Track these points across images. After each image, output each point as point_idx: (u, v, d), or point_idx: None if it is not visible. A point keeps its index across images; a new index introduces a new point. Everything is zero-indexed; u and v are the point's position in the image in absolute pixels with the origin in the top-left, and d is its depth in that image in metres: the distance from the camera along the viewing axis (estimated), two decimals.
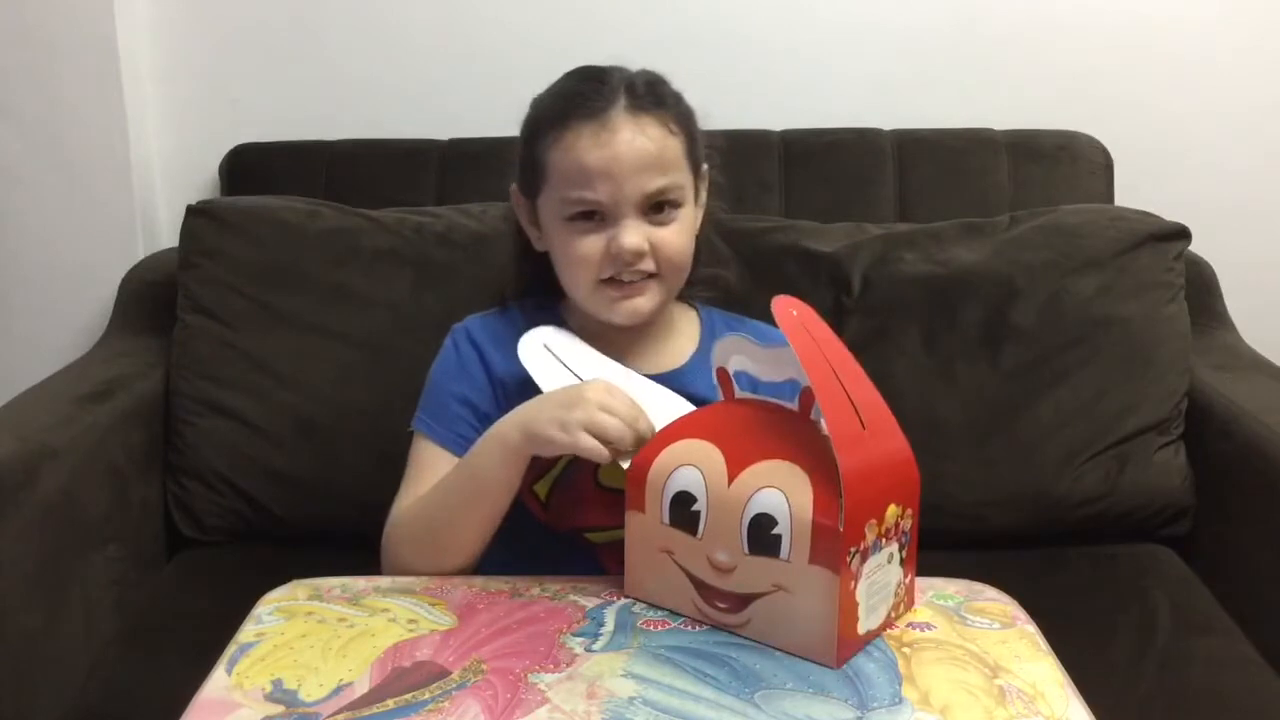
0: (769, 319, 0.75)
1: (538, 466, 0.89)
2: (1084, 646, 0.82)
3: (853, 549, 0.69)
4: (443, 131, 1.51)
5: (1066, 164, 1.47)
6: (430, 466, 0.94)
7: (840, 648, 0.70)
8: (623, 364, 0.95)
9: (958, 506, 1.24)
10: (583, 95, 0.93)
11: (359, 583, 0.84)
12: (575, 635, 0.74)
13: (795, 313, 0.75)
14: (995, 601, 0.81)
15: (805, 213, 1.42)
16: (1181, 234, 1.33)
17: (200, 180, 1.56)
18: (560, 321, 0.99)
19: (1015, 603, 0.81)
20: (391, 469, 0.97)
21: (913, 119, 1.51)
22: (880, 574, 0.73)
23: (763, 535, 0.71)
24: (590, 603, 0.79)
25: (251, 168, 1.49)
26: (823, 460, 0.70)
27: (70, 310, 1.52)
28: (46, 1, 1.44)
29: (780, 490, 0.71)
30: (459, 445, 0.94)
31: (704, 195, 1.01)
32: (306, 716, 0.66)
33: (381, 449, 1.08)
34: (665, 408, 0.87)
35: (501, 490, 0.87)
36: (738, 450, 0.74)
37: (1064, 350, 1.27)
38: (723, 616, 0.75)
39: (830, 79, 1.56)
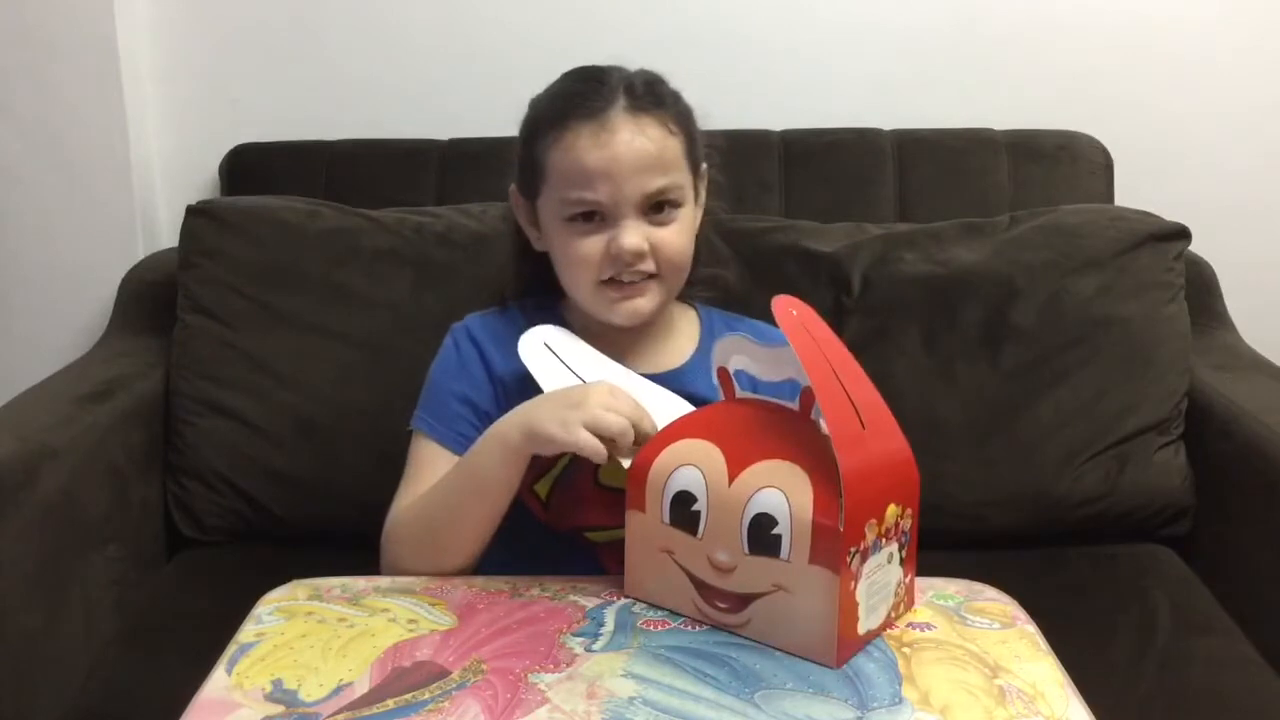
0: (769, 319, 0.75)
1: (538, 466, 0.89)
2: (1084, 646, 0.82)
3: (853, 549, 0.69)
4: (443, 131, 1.51)
5: (1066, 164, 1.47)
6: (430, 465, 0.94)
7: (840, 648, 0.70)
8: (623, 364, 0.95)
9: (958, 506, 1.24)
10: (582, 95, 0.93)
11: (359, 583, 0.84)
12: (575, 635, 0.74)
13: (795, 312, 0.75)
14: (995, 601, 0.81)
15: (805, 213, 1.42)
16: (1181, 234, 1.33)
17: (200, 180, 1.56)
18: (560, 321, 0.99)
19: (1015, 603, 0.81)
20: (391, 469, 0.97)
21: (913, 119, 1.51)
22: (880, 574, 0.73)
23: (763, 535, 0.71)
24: (590, 603, 0.79)
25: (251, 168, 1.49)
26: (823, 460, 0.70)
27: (70, 310, 1.52)
28: (46, 1, 1.44)
29: (780, 490, 0.71)
30: (459, 444, 0.94)
31: (703, 195, 1.01)
32: (306, 716, 0.66)
33: (381, 449, 1.08)
34: (665, 408, 0.87)
35: (501, 490, 0.87)
36: (738, 450, 0.74)
37: (1064, 350, 1.27)
38: (723, 616, 0.75)
39: (830, 79, 1.56)
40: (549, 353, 0.93)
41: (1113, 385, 1.27)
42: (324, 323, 1.29)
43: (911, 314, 1.29)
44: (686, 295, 1.04)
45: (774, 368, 0.78)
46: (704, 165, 1.00)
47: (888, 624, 0.75)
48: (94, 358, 1.37)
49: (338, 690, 0.68)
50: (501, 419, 0.87)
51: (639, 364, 0.97)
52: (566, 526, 0.94)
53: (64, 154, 1.49)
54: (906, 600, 0.78)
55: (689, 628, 0.75)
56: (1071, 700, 0.68)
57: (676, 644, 0.73)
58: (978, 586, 0.83)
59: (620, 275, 0.93)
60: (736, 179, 1.16)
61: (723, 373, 0.81)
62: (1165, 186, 1.49)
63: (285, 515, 1.28)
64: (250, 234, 1.33)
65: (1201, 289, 1.41)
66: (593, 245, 0.93)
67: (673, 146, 0.94)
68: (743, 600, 0.73)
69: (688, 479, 0.75)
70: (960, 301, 1.29)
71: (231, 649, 0.74)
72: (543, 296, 1.02)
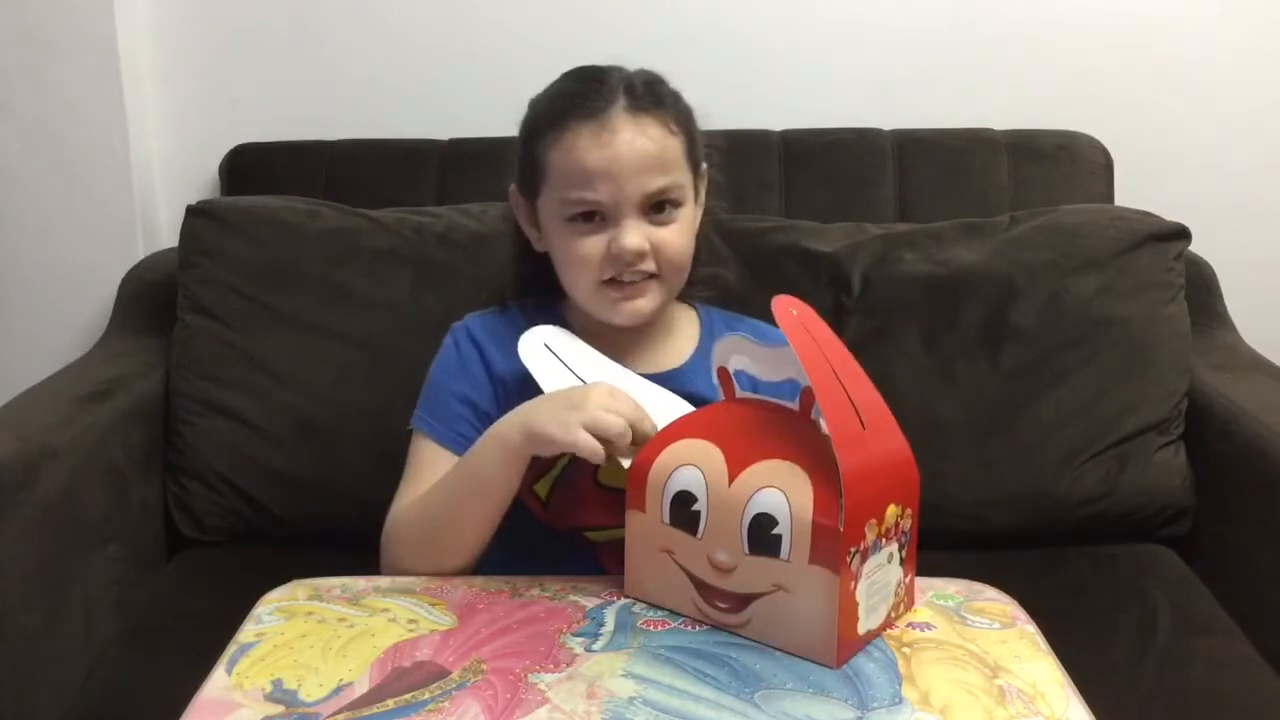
0: (769, 319, 0.75)
1: (538, 466, 0.89)
2: (1084, 646, 0.82)
3: (853, 549, 0.69)
4: (443, 131, 1.51)
5: (1066, 164, 1.47)
6: (430, 465, 0.94)
7: (840, 648, 0.70)
8: (622, 363, 0.95)
9: (958, 506, 1.24)
10: (582, 95, 0.93)
11: (359, 583, 0.84)
12: (575, 635, 0.74)
13: (795, 312, 0.75)
14: (995, 601, 0.81)
15: (805, 213, 1.42)
16: (1181, 234, 1.33)
17: (200, 180, 1.56)
18: (560, 321, 0.99)
19: (1015, 603, 0.81)
20: (391, 469, 0.97)
21: (913, 119, 1.51)
22: (880, 574, 0.73)
23: (763, 535, 0.71)
24: (590, 603, 0.79)
25: (251, 168, 1.49)
26: (823, 460, 0.70)
27: (70, 310, 1.52)
28: (46, 1, 1.44)
29: (780, 490, 0.71)
30: (459, 444, 0.94)
31: (703, 195, 1.01)
32: (306, 716, 0.66)
33: (381, 449, 1.08)
34: (665, 408, 0.87)
35: (501, 490, 0.87)
36: (738, 450, 0.74)
37: (1064, 350, 1.27)
38: (723, 616, 0.75)
39: (830, 79, 1.56)
40: (549, 353, 0.93)
41: (1113, 385, 1.27)
42: (324, 323, 1.29)
43: (911, 314, 1.29)
44: (686, 295, 1.04)
45: (774, 368, 0.78)
46: (704, 165, 1.00)
47: (888, 624, 0.75)
48: (94, 358, 1.37)
49: (338, 690, 0.68)
50: (501, 419, 0.87)
51: (639, 364, 0.97)
52: (566, 526, 0.94)
53: (64, 154, 1.49)
54: (906, 600, 0.78)
55: (689, 628, 0.75)
56: (1071, 700, 0.68)
57: (676, 644, 0.73)
58: (978, 586, 0.83)
59: (621, 275, 0.93)
60: (736, 179, 1.16)
61: (723, 373, 0.81)
62: (1165, 186, 1.49)
63: (285, 515, 1.28)
64: (250, 234, 1.33)
65: (1201, 289, 1.41)
66: (593, 245, 0.93)
67: (673, 146, 0.94)
68: (743, 600, 0.73)
69: (688, 479, 0.75)
70: (960, 301, 1.29)
71: (231, 649, 0.74)
72: (543, 296, 1.02)
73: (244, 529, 1.28)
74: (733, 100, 1.42)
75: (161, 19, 1.53)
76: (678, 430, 0.78)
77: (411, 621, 0.77)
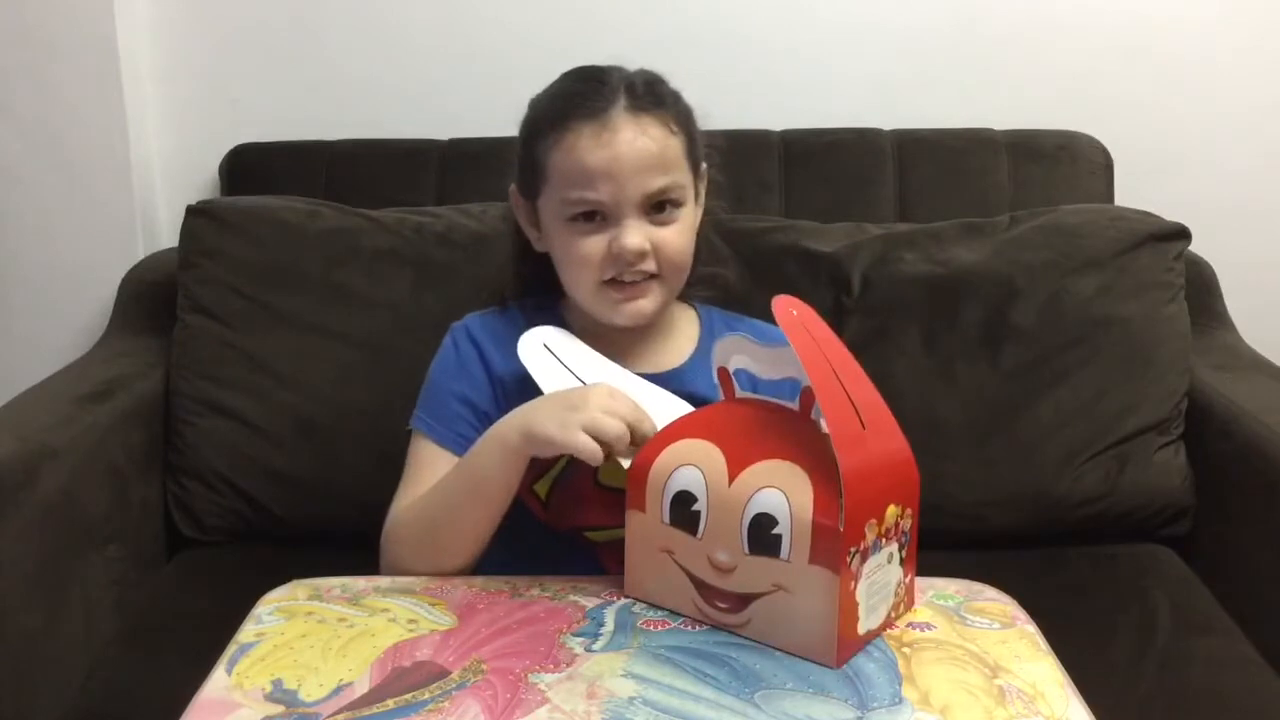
0: (769, 319, 0.75)
1: (538, 466, 0.89)
2: (1084, 646, 0.82)
3: (853, 549, 0.69)
4: (443, 131, 1.51)
5: (1066, 164, 1.47)
6: (429, 465, 0.94)
7: (840, 648, 0.70)
8: (622, 363, 0.95)
9: (958, 506, 1.24)
10: (582, 95, 0.93)
11: (359, 583, 0.84)
12: (575, 635, 0.74)
13: (795, 312, 0.75)
14: (995, 601, 0.81)
15: (805, 213, 1.42)
16: (1181, 234, 1.33)
17: (200, 180, 1.56)
18: (560, 321, 0.99)
19: (1015, 603, 0.81)
20: (391, 469, 0.97)
21: (913, 119, 1.51)
22: (880, 574, 0.73)
23: (763, 535, 0.71)
24: (590, 603, 0.79)
25: (251, 168, 1.49)
26: (823, 460, 0.70)
27: (70, 310, 1.52)
28: (46, 1, 1.44)
29: (780, 490, 0.71)
30: (458, 444, 0.94)
31: (703, 194, 1.01)
32: (306, 716, 0.66)
33: (381, 449, 1.08)
34: (665, 409, 0.87)
35: (501, 490, 0.87)
36: (738, 450, 0.74)
37: (1064, 350, 1.27)
38: (723, 616, 0.75)
39: (830, 79, 1.56)
40: (548, 354, 0.93)
41: (1113, 385, 1.27)
42: (324, 323, 1.29)
43: (911, 314, 1.29)
44: (686, 295, 1.04)
45: (774, 367, 0.78)
46: (704, 165, 1.00)
47: (888, 624, 0.75)
48: (94, 358, 1.37)
49: (338, 690, 0.68)
50: (501, 420, 0.87)
51: (639, 364, 0.97)
52: (566, 526, 0.94)
53: (64, 154, 1.49)
54: (906, 600, 0.78)
55: (689, 628, 0.75)
56: (1071, 700, 0.68)
57: (676, 644, 0.73)
58: (978, 586, 0.83)
59: (622, 275, 0.93)
60: (736, 179, 1.16)
61: (723, 372, 0.80)
62: (1165, 186, 1.50)
63: (285, 515, 1.28)
64: (250, 234, 1.33)
65: (1201, 289, 1.41)
66: (594, 245, 0.93)
67: (674, 146, 0.94)
68: (743, 600, 0.73)
69: (688, 479, 0.75)
70: (960, 301, 1.29)
71: (231, 649, 0.74)
72: (543, 296, 1.02)
73: (244, 529, 1.28)
74: (733, 100, 1.42)
75: (161, 19, 1.53)
76: (678, 430, 0.78)
77: (411, 621, 0.77)
